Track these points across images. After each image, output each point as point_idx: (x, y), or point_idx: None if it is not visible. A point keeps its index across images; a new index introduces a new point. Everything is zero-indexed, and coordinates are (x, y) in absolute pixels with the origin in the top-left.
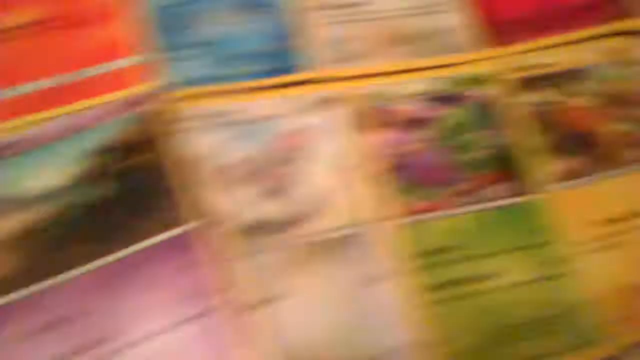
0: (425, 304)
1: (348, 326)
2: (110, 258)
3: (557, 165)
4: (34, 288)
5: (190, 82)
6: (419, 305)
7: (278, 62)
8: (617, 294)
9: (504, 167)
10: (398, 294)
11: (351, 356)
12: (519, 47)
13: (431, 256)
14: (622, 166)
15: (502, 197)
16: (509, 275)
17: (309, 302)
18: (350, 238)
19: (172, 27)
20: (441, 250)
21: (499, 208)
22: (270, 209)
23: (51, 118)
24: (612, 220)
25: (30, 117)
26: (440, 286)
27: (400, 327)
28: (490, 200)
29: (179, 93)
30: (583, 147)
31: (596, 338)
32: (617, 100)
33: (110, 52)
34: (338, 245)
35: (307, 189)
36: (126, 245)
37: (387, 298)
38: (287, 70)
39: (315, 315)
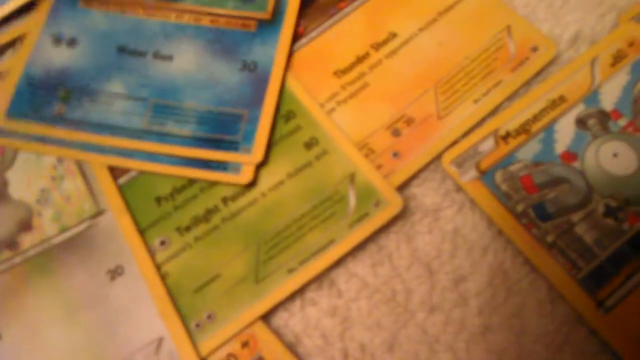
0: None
1: (92, 336)
2: None
3: None
4: None
5: None
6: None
7: None
8: (369, 139)
9: None
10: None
11: None
12: None
13: (165, 202)
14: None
15: None
16: (266, 181)
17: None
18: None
19: None
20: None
21: None
22: None
23: None
24: (340, 72)
25: None
26: (187, 227)
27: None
28: None
29: None
30: None
31: (380, 198)
32: None
33: None
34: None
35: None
36: None
37: (135, 285)
38: None
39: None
